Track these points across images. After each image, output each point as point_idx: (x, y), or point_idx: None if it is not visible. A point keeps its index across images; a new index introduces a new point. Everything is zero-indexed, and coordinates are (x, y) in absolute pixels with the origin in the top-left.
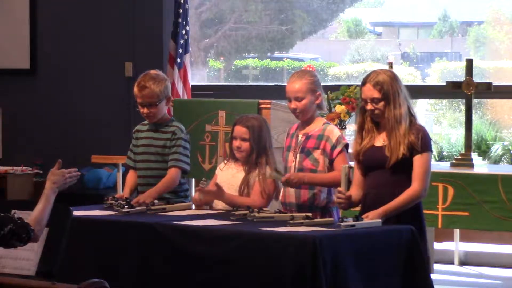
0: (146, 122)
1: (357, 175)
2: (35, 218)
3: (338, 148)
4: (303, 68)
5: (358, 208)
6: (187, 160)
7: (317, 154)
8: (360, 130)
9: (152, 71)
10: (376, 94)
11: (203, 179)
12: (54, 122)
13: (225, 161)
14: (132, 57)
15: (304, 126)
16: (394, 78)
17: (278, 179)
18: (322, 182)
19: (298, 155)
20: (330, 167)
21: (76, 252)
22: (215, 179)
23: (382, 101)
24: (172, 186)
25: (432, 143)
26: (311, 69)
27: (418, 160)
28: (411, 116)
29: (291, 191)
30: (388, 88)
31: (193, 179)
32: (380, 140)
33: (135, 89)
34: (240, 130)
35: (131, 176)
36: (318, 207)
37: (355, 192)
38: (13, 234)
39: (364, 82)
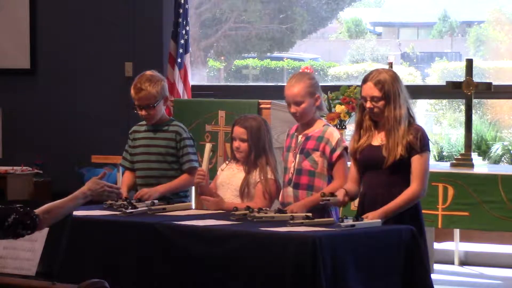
0: (143, 122)
1: (353, 172)
2: (46, 208)
3: (338, 152)
4: (300, 70)
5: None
6: (196, 158)
7: (316, 156)
8: (358, 127)
9: (148, 72)
10: (377, 93)
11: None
12: (54, 122)
13: (227, 162)
14: (132, 57)
15: (305, 128)
16: (395, 78)
17: (334, 202)
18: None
19: (297, 155)
20: (330, 169)
21: (76, 252)
22: (215, 180)
23: (382, 100)
24: (186, 188)
25: (432, 143)
26: (308, 70)
27: (417, 160)
28: (410, 116)
29: (290, 191)
30: (389, 88)
31: None
32: (378, 139)
33: (132, 91)
34: (238, 130)
35: (127, 176)
36: (316, 207)
37: (350, 186)
38: (18, 223)
39: (365, 80)
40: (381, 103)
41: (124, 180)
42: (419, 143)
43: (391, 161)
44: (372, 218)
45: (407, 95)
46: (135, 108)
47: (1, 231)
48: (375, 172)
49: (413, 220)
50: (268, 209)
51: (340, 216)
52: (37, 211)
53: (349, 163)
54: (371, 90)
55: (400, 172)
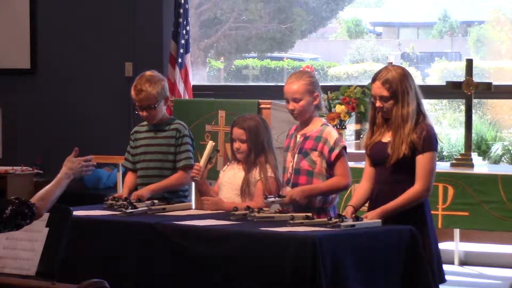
0: (144, 123)
1: (367, 169)
2: (39, 195)
3: (336, 151)
4: (301, 69)
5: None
6: (192, 156)
7: (314, 155)
8: (371, 124)
9: (148, 73)
10: (385, 93)
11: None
12: (54, 122)
13: (228, 163)
14: (132, 57)
15: (303, 127)
16: (404, 75)
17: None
18: (321, 190)
19: (296, 155)
20: (328, 169)
21: (76, 252)
22: (218, 181)
23: (390, 99)
24: (179, 187)
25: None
26: (309, 69)
27: (420, 160)
28: (421, 114)
29: (288, 191)
30: (397, 87)
31: None
32: (387, 137)
33: (132, 92)
34: (237, 132)
35: (130, 177)
36: (314, 207)
37: (365, 185)
38: (16, 213)
39: (374, 79)
40: (390, 102)
41: (126, 181)
42: (422, 143)
43: (395, 159)
44: (371, 218)
45: (418, 91)
46: (136, 109)
47: (0, 224)
48: (381, 168)
49: (417, 220)
50: (268, 195)
51: (337, 213)
52: (32, 199)
53: (349, 163)
54: (379, 89)
55: (403, 170)
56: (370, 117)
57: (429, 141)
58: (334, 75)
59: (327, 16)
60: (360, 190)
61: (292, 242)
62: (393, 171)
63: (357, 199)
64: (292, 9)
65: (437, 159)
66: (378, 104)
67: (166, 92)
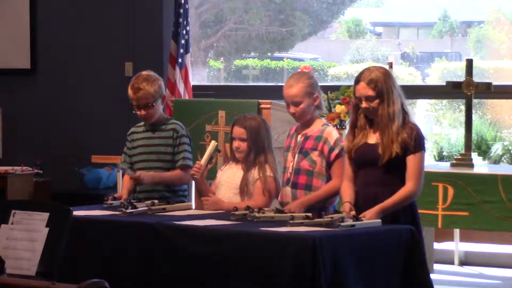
0: (141, 123)
1: (349, 173)
2: None
3: (336, 151)
4: (299, 70)
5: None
6: (191, 157)
7: (314, 155)
8: (353, 127)
9: (144, 72)
10: (370, 92)
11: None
12: (54, 122)
13: (226, 163)
14: (132, 57)
15: (304, 127)
16: (387, 75)
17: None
18: (320, 198)
19: (296, 155)
20: (328, 169)
21: (76, 252)
22: (216, 181)
23: (376, 99)
24: (178, 184)
25: (432, 143)
26: (307, 70)
27: (411, 160)
28: (405, 113)
29: (288, 191)
30: (382, 85)
31: None
32: (373, 138)
33: (130, 91)
34: (238, 130)
35: (128, 178)
36: (314, 207)
37: (350, 184)
38: None
39: (357, 80)
40: (375, 101)
41: (124, 181)
42: (413, 143)
43: (387, 159)
44: (369, 217)
45: (400, 91)
46: (132, 109)
47: None
48: (370, 169)
49: (409, 222)
50: (267, 209)
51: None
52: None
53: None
54: (364, 90)
55: (394, 170)
56: (351, 120)
57: (419, 141)
58: (334, 75)
59: (327, 19)
60: (347, 188)
61: (292, 242)
62: (384, 171)
63: (350, 195)
64: (293, 12)
65: (437, 158)
66: (364, 105)
67: (163, 91)
